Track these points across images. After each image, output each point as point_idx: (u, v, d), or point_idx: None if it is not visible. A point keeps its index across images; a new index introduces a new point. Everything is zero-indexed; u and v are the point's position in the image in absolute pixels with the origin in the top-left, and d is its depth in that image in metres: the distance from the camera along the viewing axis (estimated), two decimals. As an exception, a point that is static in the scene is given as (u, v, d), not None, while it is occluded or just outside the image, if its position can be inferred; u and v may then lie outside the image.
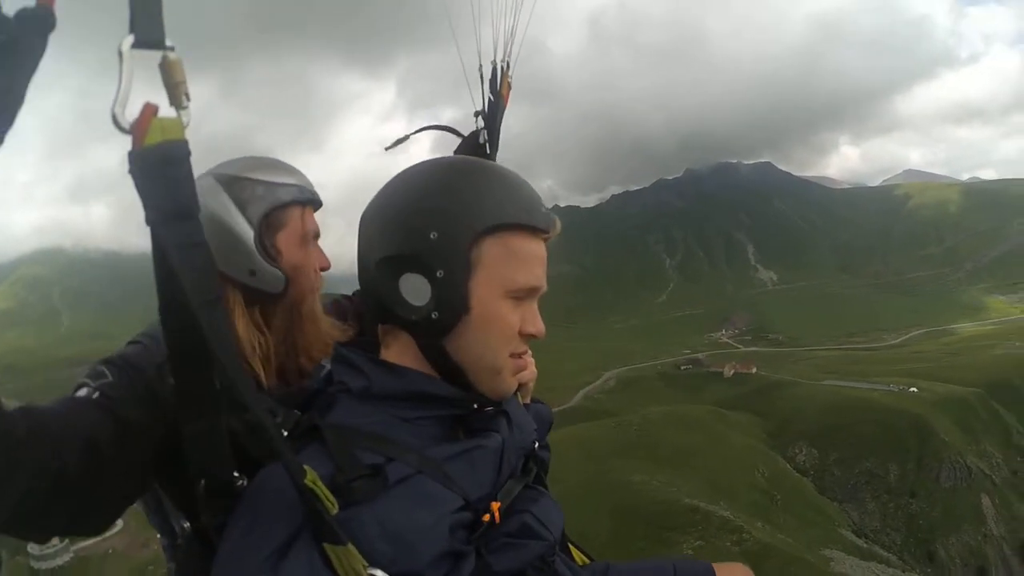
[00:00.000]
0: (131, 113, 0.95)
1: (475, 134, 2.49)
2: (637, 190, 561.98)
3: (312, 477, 1.07)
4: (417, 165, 1.41)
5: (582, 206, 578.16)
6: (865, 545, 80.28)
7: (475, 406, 1.41)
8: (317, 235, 1.98)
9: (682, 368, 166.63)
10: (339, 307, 2.22)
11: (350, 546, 1.07)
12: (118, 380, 1.62)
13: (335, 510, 1.08)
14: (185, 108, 1.00)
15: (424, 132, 2.65)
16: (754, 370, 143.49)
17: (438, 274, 1.30)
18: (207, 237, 1.42)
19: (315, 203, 1.98)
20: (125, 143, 0.96)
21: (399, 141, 2.53)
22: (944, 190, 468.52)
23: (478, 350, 1.37)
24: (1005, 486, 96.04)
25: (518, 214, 1.35)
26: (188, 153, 1.02)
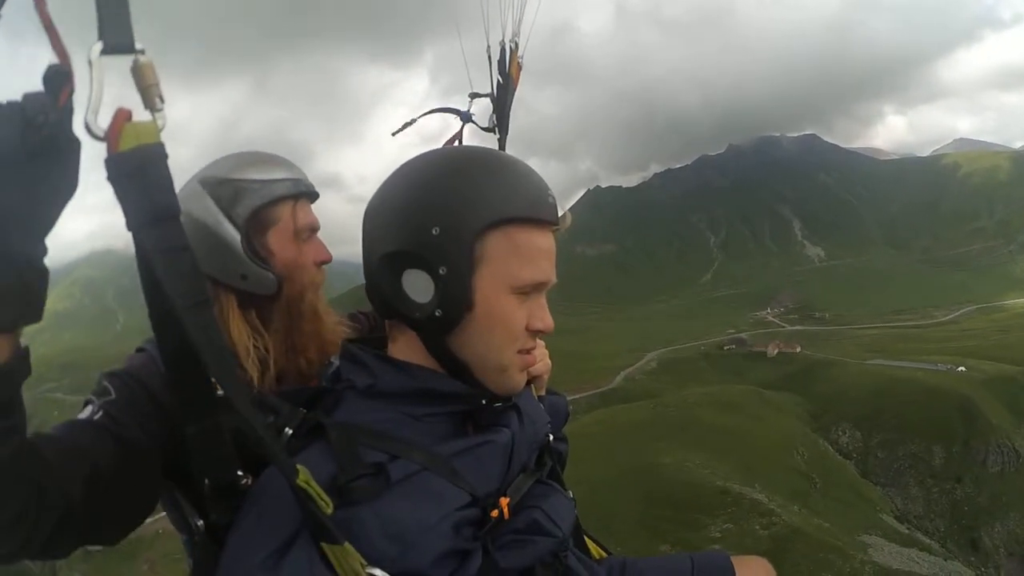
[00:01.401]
0: (106, 119, 0.95)
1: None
2: (679, 168, 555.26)
3: (305, 477, 1.07)
4: (418, 157, 1.39)
5: (624, 186, 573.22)
6: (907, 531, 78.52)
7: (484, 401, 1.38)
8: (314, 228, 1.94)
9: (725, 348, 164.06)
10: (355, 320, 2.18)
11: (347, 545, 1.07)
12: (119, 396, 1.63)
13: (330, 509, 1.07)
14: (160, 111, 1.00)
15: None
16: (798, 349, 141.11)
17: (440, 271, 1.29)
18: (195, 244, 1.51)
19: (309, 195, 1.93)
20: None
21: (405, 125, 2.52)
22: (994, 159, 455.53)
23: (482, 348, 1.36)
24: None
25: (523, 207, 1.33)
26: (165, 155, 1.01)
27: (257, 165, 1.86)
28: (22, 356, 1.12)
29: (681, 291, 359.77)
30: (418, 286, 1.30)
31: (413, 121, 2.51)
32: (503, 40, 2.41)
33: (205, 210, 1.79)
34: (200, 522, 1.56)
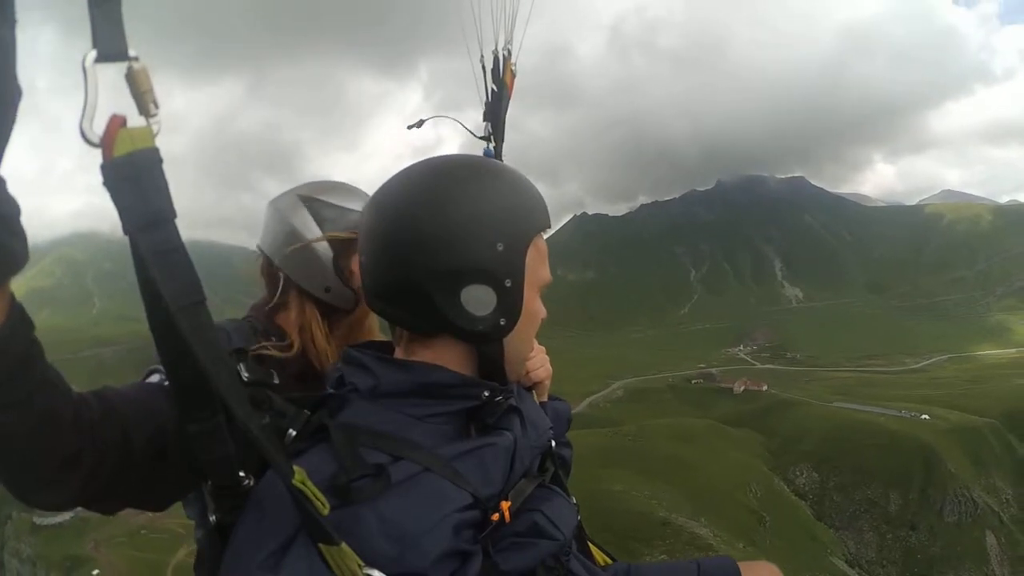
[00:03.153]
0: (100, 126, 0.97)
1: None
2: (666, 201, 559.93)
3: (301, 478, 1.08)
4: (430, 172, 1.39)
5: (611, 215, 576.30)
6: (857, 576, 77.93)
7: (486, 394, 1.40)
8: None
9: (693, 382, 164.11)
10: None
11: (344, 546, 1.07)
12: None
13: (326, 510, 1.08)
14: (154, 116, 1.01)
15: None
16: (765, 388, 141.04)
17: (506, 284, 1.34)
18: (287, 252, 1.96)
19: None
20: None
21: (420, 123, 2.55)
22: (978, 211, 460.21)
23: (520, 345, 1.45)
24: (1013, 523, 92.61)
25: (546, 216, 1.45)
26: (159, 160, 1.03)
27: (343, 193, 2.08)
28: (18, 319, 1.10)
29: (658, 322, 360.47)
30: (481, 300, 1.33)
31: (422, 122, 2.54)
32: (496, 48, 2.45)
33: (302, 223, 1.99)
34: (213, 517, 1.56)
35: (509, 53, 2.46)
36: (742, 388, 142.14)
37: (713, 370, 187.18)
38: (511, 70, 2.47)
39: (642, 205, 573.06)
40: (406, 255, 1.32)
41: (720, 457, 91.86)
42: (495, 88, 2.46)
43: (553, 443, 1.68)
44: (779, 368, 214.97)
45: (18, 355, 1.12)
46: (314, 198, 2.03)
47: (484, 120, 2.46)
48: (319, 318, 2.02)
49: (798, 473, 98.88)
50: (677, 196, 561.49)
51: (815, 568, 72.93)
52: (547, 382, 1.97)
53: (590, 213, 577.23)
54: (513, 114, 2.54)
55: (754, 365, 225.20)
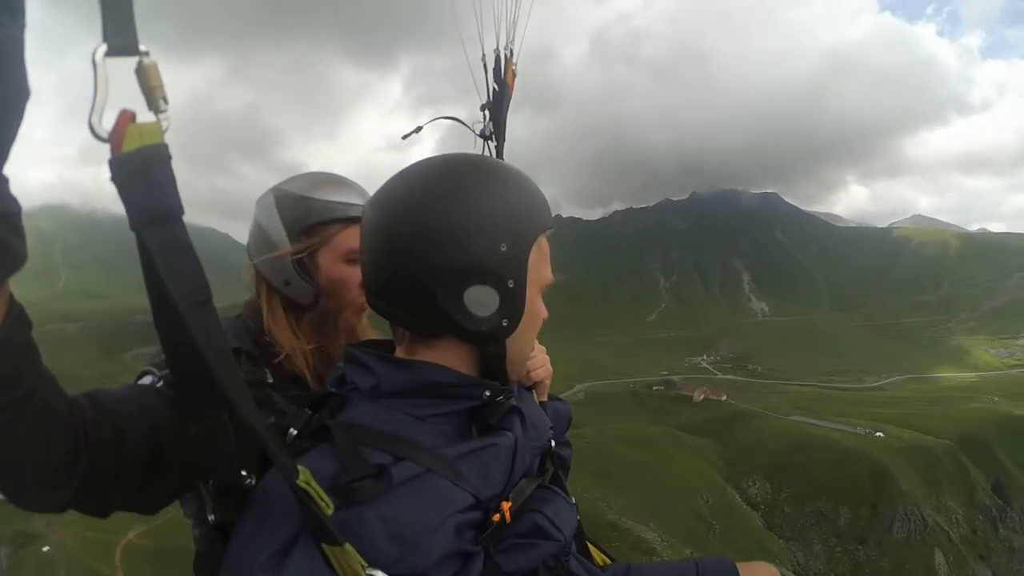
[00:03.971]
0: (110, 121, 0.95)
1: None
2: (640, 208, 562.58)
3: (305, 477, 1.07)
4: (434, 172, 1.37)
5: (584, 218, 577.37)
6: (803, 587, 78.04)
7: (487, 393, 1.39)
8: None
9: (654, 388, 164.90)
10: None
11: (347, 546, 1.07)
12: None
13: (330, 510, 1.08)
14: (164, 112, 1.00)
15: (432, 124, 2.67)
16: (724, 398, 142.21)
17: (509, 284, 1.33)
18: (257, 247, 1.94)
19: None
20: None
21: (414, 131, 2.57)
22: (945, 236, 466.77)
23: (522, 345, 1.44)
24: (963, 543, 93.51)
25: (548, 216, 1.43)
26: (168, 156, 1.02)
27: (323, 186, 2.01)
28: (16, 318, 1.09)
29: (624, 328, 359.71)
30: (483, 300, 1.32)
31: (420, 129, 2.55)
32: (498, 48, 2.48)
33: (267, 217, 1.99)
34: (211, 517, 1.57)
35: (511, 53, 2.49)
36: (702, 397, 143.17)
37: (675, 378, 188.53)
38: (512, 70, 2.50)
39: (616, 211, 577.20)
40: (410, 255, 1.30)
41: (674, 464, 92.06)
42: (496, 87, 2.49)
43: (553, 443, 1.67)
44: (740, 379, 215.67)
45: (17, 355, 1.10)
46: (292, 194, 2.00)
47: (481, 110, 2.49)
48: (281, 310, 1.99)
49: (751, 483, 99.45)
50: (651, 204, 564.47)
51: (761, 578, 72.82)
52: (547, 382, 1.95)
53: (564, 216, 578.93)
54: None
55: (716, 375, 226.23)
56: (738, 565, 1.88)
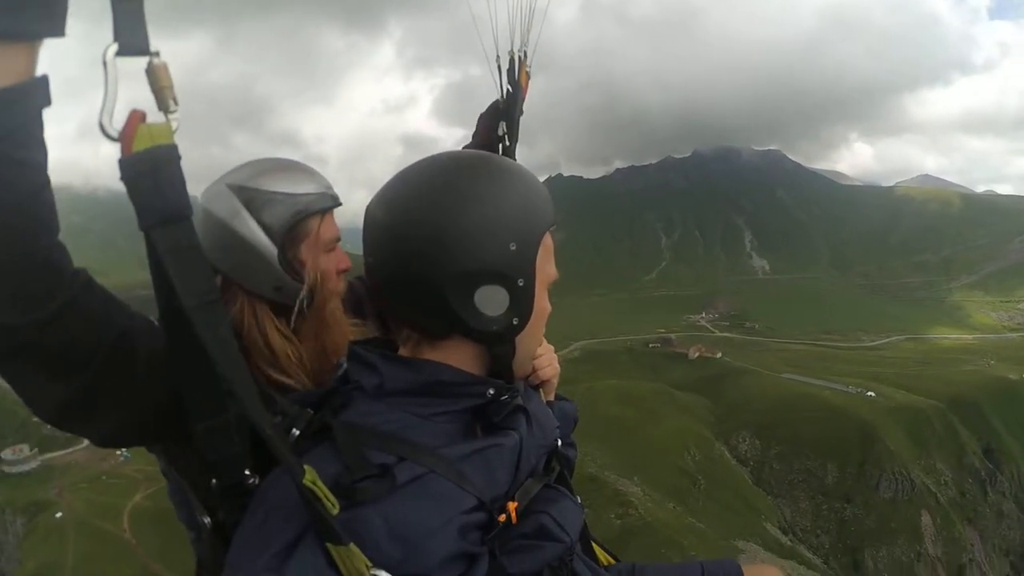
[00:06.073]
0: (120, 120, 0.98)
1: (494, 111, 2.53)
2: (642, 166, 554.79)
3: (312, 477, 1.08)
4: (442, 172, 1.36)
5: (585, 177, 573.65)
6: (789, 543, 79.19)
7: (491, 392, 1.38)
8: (337, 239, 1.98)
9: (650, 346, 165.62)
10: (353, 290, 2.21)
11: (352, 547, 1.07)
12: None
13: (336, 510, 1.08)
14: (173, 112, 1.01)
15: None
16: (719, 355, 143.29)
17: (519, 283, 1.32)
18: (219, 250, 1.76)
19: (336, 205, 1.97)
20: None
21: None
22: (949, 198, 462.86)
23: (530, 343, 1.45)
24: (950, 506, 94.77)
25: (552, 213, 1.42)
26: (178, 157, 1.03)
27: (285, 176, 1.89)
28: (41, 79, 1.05)
29: (624, 286, 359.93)
30: (494, 300, 1.31)
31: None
32: (512, 50, 2.47)
33: (241, 222, 1.81)
34: (207, 520, 1.57)
35: (525, 55, 2.47)
36: (696, 354, 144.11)
37: (672, 335, 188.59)
38: (526, 72, 2.50)
39: (617, 169, 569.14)
40: (422, 258, 1.29)
41: (661, 420, 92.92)
42: (510, 89, 2.48)
43: (559, 442, 1.67)
44: (736, 336, 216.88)
45: (29, 115, 1.05)
46: (255, 188, 1.83)
47: (495, 98, 2.50)
48: (274, 318, 1.88)
49: (741, 439, 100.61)
50: (653, 162, 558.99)
51: (748, 533, 73.65)
52: (555, 381, 1.93)
53: (565, 175, 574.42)
54: (483, 73, 2.58)
55: (713, 332, 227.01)
56: (743, 567, 1.87)
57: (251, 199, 1.81)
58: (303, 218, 1.86)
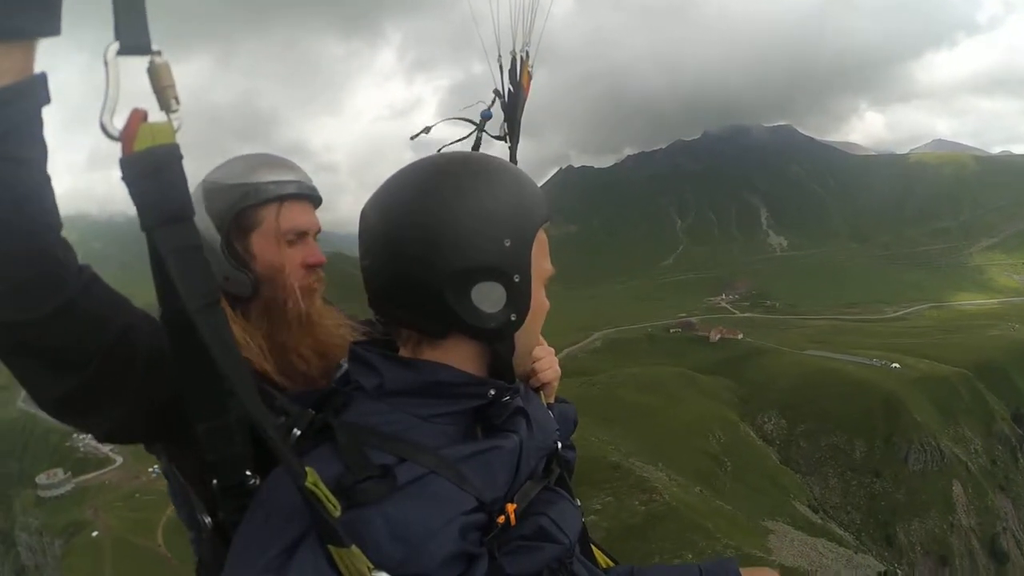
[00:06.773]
0: (121, 120, 0.96)
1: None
2: (652, 151, 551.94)
3: (313, 479, 1.07)
4: (435, 172, 1.37)
5: (596, 167, 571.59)
6: (819, 521, 78.77)
7: (492, 392, 1.39)
8: (301, 231, 1.91)
9: (671, 331, 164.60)
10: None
11: (353, 548, 1.07)
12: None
13: (337, 512, 1.07)
14: (175, 111, 1.01)
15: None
16: (740, 336, 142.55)
17: (515, 279, 1.33)
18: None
19: (299, 197, 1.91)
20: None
21: (425, 130, 2.59)
22: (964, 160, 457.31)
23: (528, 339, 1.45)
24: (982, 474, 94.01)
25: (547, 209, 1.43)
26: (179, 156, 1.03)
27: (253, 169, 1.86)
28: (40, 78, 1.04)
29: (642, 273, 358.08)
30: (491, 297, 1.32)
31: (429, 129, 2.57)
32: (514, 50, 2.48)
33: (197, 213, 1.76)
34: (208, 519, 1.57)
35: (527, 55, 2.48)
36: (718, 337, 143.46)
37: (693, 319, 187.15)
38: (528, 72, 2.51)
39: (628, 156, 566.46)
40: (417, 260, 1.30)
41: (684, 404, 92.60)
42: (511, 89, 2.49)
43: (559, 445, 1.68)
44: (758, 316, 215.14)
45: (28, 113, 1.05)
46: (216, 183, 1.84)
47: (494, 100, 2.50)
48: (230, 308, 1.80)
49: (766, 419, 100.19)
50: (663, 147, 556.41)
51: (777, 513, 73.43)
52: (555, 383, 1.94)
53: (576, 166, 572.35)
54: (485, 70, 2.52)
55: (734, 313, 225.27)
56: (743, 570, 1.88)
57: (208, 190, 1.82)
58: (249, 206, 1.81)
